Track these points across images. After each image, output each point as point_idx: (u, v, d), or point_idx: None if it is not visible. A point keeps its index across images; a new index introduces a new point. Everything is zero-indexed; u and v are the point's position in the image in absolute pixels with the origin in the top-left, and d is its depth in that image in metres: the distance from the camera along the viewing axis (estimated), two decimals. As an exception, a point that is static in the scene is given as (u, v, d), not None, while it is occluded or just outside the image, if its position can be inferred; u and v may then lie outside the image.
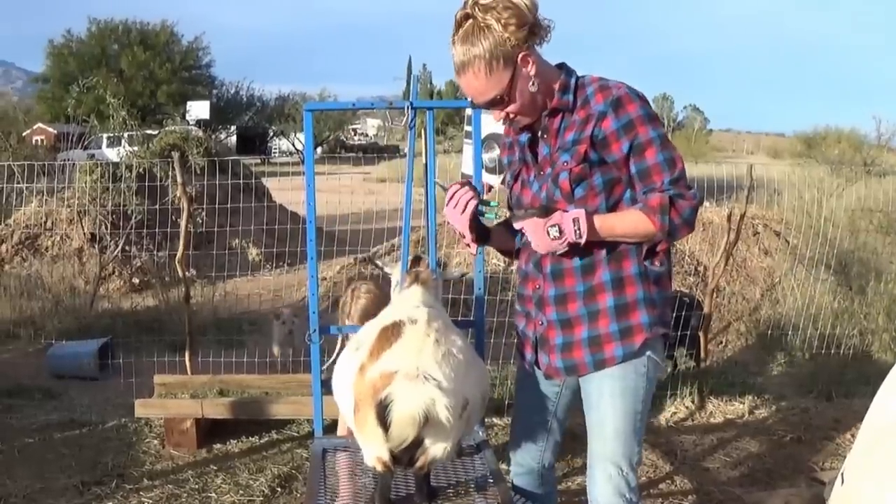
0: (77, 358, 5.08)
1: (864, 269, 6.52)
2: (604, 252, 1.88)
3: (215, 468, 3.58)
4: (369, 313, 2.81)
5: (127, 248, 7.72)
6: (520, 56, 1.80)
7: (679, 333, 4.80)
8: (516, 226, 1.90)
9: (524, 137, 1.99)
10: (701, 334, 5.05)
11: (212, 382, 4.03)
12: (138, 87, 32.00)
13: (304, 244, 2.58)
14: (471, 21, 1.79)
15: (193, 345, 4.58)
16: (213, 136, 13.42)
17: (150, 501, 3.25)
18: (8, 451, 3.73)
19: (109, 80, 22.37)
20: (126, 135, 9.56)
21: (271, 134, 39.42)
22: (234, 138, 34.18)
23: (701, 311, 5.08)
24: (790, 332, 5.61)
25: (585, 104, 1.85)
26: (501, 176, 2.69)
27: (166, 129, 10.22)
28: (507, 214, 1.97)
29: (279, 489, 3.36)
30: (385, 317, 2.00)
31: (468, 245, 2.02)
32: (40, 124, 26.90)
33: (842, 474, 1.67)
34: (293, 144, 36.39)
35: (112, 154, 13.92)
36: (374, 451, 1.83)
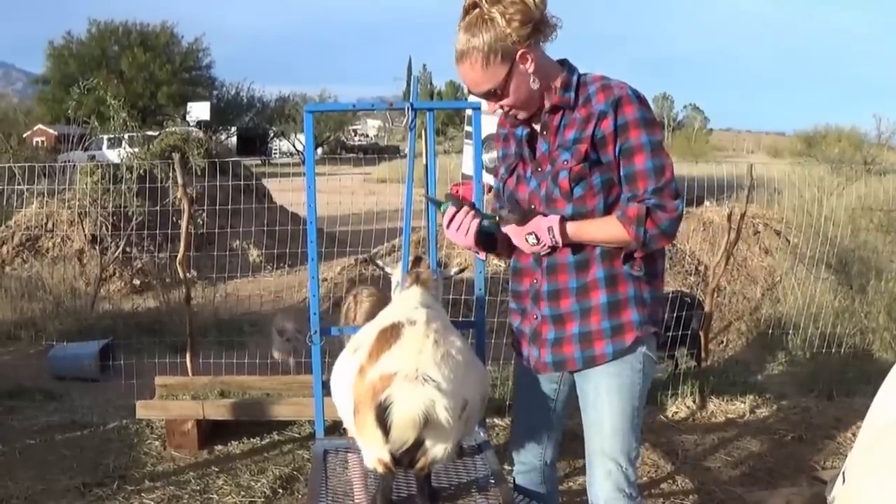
0: (78, 359, 5.08)
1: (864, 267, 6.51)
2: (598, 249, 1.88)
3: (217, 469, 3.58)
4: (373, 317, 2.81)
5: (128, 249, 7.73)
6: (519, 53, 1.80)
7: (680, 333, 4.80)
8: (503, 229, 1.91)
9: (521, 131, 1.97)
10: (702, 334, 5.06)
11: (213, 384, 4.03)
12: (139, 88, 32.04)
13: (305, 245, 2.57)
14: (477, 11, 1.79)
15: (194, 346, 4.58)
16: (214, 138, 13.45)
17: (152, 503, 3.25)
18: (9, 452, 3.73)
19: (110, 82, 22.44)
20: (126, 136, 9.60)
21: (272, 135, 39.42)
22: (234, 139, 34.18)
23: (702, 310, 5.08)
24: (791, 332, 5.60)
25: (587, 103, 1.84)
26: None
27: (167, 130, 10.24)
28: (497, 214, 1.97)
29: (280, 490, 3.36)
30: (384, 318, 2.00)
31: (477, 253, 2.02)
32: (41, 126, 26.94)
33: (843, 473, 1.67)
34: (293, 145, 36.41)
35: (112, 155, 13.96)
36: (375, 452, 1.83)
